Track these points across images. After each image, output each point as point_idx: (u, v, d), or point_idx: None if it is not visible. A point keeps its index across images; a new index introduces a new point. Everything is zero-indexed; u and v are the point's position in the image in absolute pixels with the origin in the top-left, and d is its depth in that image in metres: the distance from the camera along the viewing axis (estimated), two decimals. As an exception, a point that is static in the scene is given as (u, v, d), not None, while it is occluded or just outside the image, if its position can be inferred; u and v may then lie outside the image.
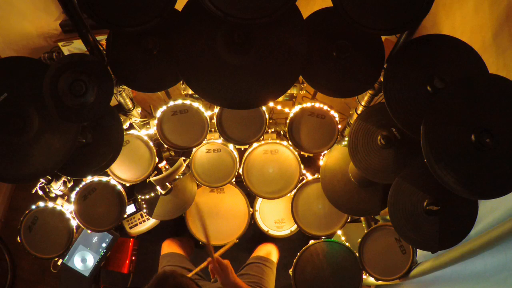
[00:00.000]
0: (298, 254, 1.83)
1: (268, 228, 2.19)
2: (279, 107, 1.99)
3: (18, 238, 1.79)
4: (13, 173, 1.29)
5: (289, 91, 1.69)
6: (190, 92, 1.75)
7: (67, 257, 2.23)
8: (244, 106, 1.39)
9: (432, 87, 1.24)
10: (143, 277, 2.44)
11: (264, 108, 1.74)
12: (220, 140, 1.89)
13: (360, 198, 1.73)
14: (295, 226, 2.05)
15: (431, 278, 1.59)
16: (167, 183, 1.96)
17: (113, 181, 1.89)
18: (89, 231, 2.10)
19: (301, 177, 1.95)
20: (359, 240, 1.76)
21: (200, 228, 2.09)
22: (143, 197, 2.09)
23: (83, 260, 2.26)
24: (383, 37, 1.42)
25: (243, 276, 2.00)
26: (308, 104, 1.74)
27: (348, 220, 1.96)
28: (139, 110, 1.91)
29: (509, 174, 1.09)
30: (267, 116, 1.76)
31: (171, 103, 1.74)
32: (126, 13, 1.19)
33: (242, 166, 1.94)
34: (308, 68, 1.37)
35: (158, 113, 1.76)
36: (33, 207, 1.81)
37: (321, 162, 1.84)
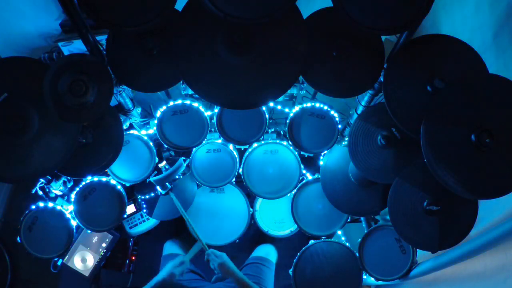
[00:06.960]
0: (298, 254, 1.83)
1: (268, 228, 2.18)
2: (279, 107, 1.99)
3: (18, 238, 1.79)
4: (13, 173, 1.29)
5: (289, 91, 1.69)
6: (190, 92, 1.75)
7: (67, 257, 2.23)
8: (244, 106, 1.39)
9: (432, 87, 1.24)
10: (143, 277, 2.43)
11: (264, 108, 1.74)
12: (220, 140, 1.89)
13: (360, 198, 1.73)
14: (295, 226, 2.04)
15: (431, 278, 1.59)
16: (167, 183, 1.96)
17: (113, 181, 1.89)
18: (89, 231, 2.10)
19: (301, 177, 1.95)
20: (359, 240, 1.76)
21: (200, 229, 2.09)
22: (143, 197, 2.09)
23: (83, 260, 2.26)
24: (383, 37, 1.42)
25: (242, 276, 2.00)
26: (308, 104, 1.74)
27: (348, 220, 1.96)
28: (139, 110, 1.91)
29: (509, 174, 1.09)
30: (267, 116, 1.76)
31: (171, 103, 1.74)
32: (126, 13, 1.19)
33: (242, 166, 1.94)
34: (308, 68, 1.37)
35: (158, 113, 1.76)
36: (33, 207, 1.81)
37: (321, 162, 1.84)
